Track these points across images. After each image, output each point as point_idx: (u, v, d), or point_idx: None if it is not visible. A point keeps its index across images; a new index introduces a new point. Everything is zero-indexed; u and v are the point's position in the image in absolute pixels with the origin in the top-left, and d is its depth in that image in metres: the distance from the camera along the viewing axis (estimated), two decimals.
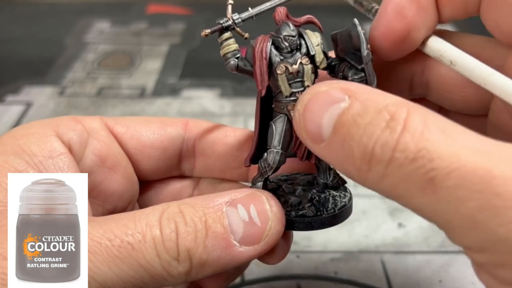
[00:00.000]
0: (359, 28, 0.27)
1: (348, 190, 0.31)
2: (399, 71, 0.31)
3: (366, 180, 0.22)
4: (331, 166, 0.30)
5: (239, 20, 0.28)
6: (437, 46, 0.28)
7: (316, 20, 0.29)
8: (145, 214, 0.25)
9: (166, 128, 0.34)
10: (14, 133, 0.29)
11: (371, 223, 0.48)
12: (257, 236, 0.26)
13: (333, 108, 0.23)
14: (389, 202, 0.50)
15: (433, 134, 0.20)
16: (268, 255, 0.28)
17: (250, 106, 0.66)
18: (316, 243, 0.45)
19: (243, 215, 0.26)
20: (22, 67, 0.76)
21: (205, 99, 0.68)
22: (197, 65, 0.77)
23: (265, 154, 0.29)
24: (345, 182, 0.31)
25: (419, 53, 0.29)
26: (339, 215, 0.29)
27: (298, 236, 0.46)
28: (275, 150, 0.28)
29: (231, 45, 0.28)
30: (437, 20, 0.29)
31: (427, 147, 0.20)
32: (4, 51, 0.80)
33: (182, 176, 0.36)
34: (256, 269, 0.43)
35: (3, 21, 0.91)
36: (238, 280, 0.42)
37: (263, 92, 0.28)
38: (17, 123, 0.62)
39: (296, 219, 0.29)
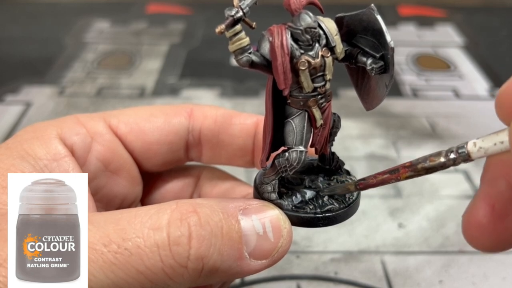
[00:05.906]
0: (378, 15, 0.25)
1: (350, 173, 0.30)
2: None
3: None
4: None
5: (247, 9, 0.24)
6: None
7: (317, 1, 0.26)
8: (148, 215, 0.24)
9: (171, 120, 0.33)
10: (18, 138, 0.29)
11: (371, 223, 0.48)
12: (267, 252, 0.26)
13: None
14: (389, 203, 0.50)
15: None
16: None
17: (250, 105, 0.66)
18: (316, 243, 0.45)
19: (258, 227, 0.25)
20: (22, 67, 0.76)
21: (205, 99, 0.68)
22: (197, 65, 0.77)
23: (286, 153, 0.27)
24: (344, 164, 0.30)
25: None
26: (357, 203, 0.28)
27: (298, 236, 0.46)
28: (299, 150, 0.26)
29: (243, 40, 0.24)
30: None
31: None
32: (4, 51, 0.80)
33: (184, 175, 0.36)
34: None
35: (2, 21, 0.91)
36: (238, 280, 0.42)
37: (287, 92, 0.25)
38: (17, 123, 0.62)
39: (323, 216, 0.27)
